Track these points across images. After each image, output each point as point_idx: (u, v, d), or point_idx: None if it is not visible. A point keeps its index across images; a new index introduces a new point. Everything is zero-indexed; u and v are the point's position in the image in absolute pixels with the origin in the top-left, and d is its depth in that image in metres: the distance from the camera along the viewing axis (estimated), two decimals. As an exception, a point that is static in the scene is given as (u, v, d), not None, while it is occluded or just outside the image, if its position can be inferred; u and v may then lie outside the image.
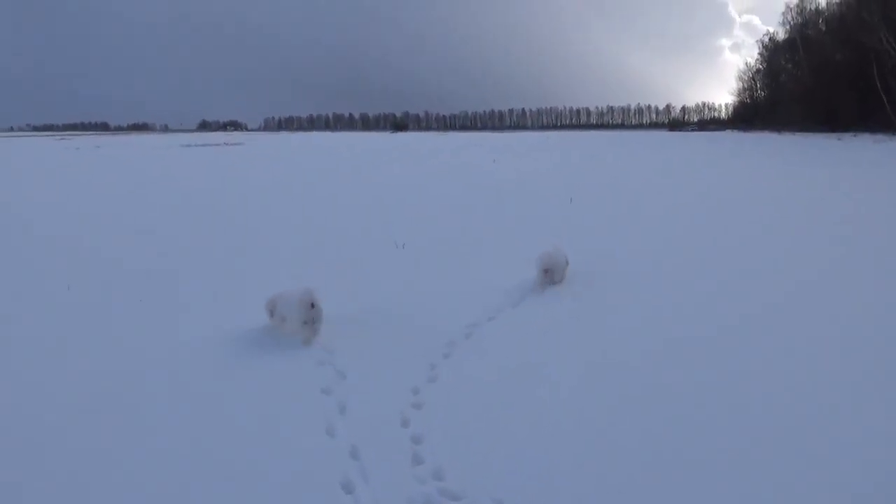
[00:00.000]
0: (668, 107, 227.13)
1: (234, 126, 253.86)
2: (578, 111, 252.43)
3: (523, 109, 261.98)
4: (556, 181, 19.02)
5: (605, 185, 17.89)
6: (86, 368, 4.83)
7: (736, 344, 5.18)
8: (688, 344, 5.18)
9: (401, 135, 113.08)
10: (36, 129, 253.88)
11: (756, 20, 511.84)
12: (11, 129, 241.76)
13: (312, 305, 5.28)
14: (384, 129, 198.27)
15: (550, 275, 7.02)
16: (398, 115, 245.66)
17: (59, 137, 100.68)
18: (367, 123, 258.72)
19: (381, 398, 4.25)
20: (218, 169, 27.27)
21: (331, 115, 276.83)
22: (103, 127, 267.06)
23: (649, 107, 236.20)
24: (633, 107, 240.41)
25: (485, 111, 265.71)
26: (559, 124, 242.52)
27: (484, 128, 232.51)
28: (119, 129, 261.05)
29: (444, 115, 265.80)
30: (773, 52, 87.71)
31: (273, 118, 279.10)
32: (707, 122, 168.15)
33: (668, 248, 9.02)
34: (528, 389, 4.37)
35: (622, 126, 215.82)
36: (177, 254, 9.03)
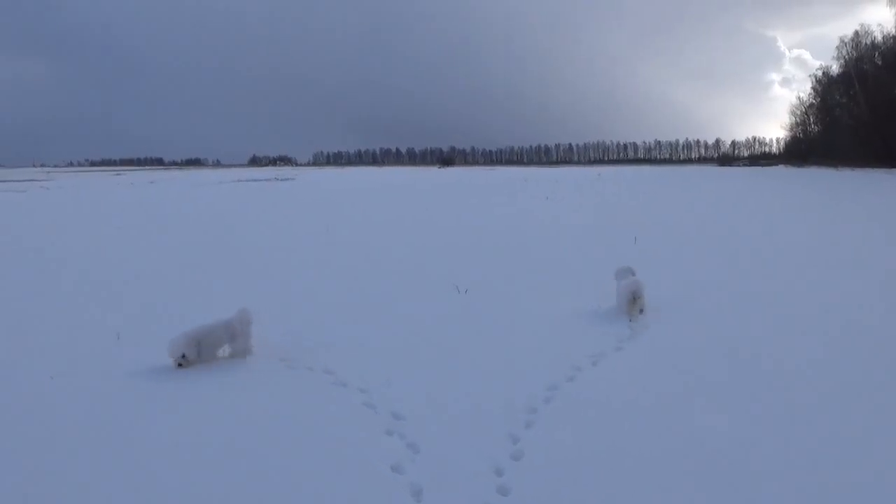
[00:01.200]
0: (717, 141, 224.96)
1: (284, 161, 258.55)
2: (626, 146, 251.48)
3: (570, 144, 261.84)
4: (616, 218, 18.45)
5: (667, 222, 17.25)
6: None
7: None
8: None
9: (448, 170, 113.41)
10: (94, 164, 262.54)
11: (806, 54, 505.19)
12: (71, 165, 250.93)
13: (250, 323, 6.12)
14: (431, 163, 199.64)
15: (639, 302, 7.30)
16: (445, 150, 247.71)
17: (115, 173, 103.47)
18: (415, 158, 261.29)
19: (460, 480, 3.77)
20: (270, 205, 27.36)
21: (378, 151, 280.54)
22: (158, 162, 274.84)
23: (698, 141, 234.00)
24: (681, 141, 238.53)
25: (531, 146, 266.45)
26: (605, 159, 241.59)
27: (530, 162, 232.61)
28: (173, 164, 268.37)
29: (490, 150, 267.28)
30: (826, 86, 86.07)
31: (322, 153, 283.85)
32: (758, 156, 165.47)
33: (743, 284, 8.40)
34: (626, 469, 3.87)
35: (670, 161, 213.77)
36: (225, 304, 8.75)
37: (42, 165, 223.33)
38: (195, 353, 5.83)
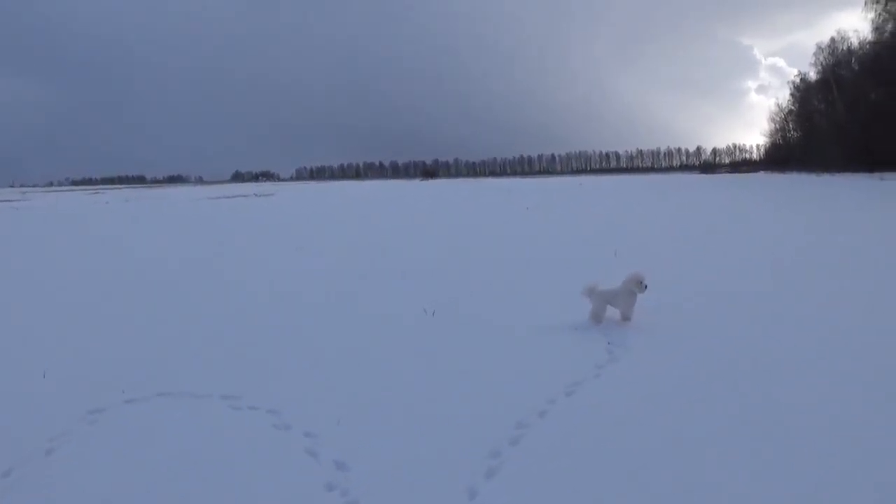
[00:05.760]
0: (698, 149, 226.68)
1: (267, 176, 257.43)
2: (608, 155, 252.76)
3: (552, 154, 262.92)
4: (596, 231, 17.98)
5: (648, 234, 16.80)
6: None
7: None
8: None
9: (431, 182, 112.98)
10: (75, 183, 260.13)
11: (781, 62, 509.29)
12: (51, 184, 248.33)
13: None
14: (414, 176, 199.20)
15: (642, 289, 7.22)
16: (427, 162, 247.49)
17: (93, 192, 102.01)
18: (397, 171, 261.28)
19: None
20: (242, 224, 26.70)
21: (361, 164, 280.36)
22: (140, 180, 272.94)
23: (679, 149, 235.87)
24: (662, 150, 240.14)
25: (514, 157, 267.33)
26: (588, 168, 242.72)
27: (513, 173, 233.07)
28: (156, 181, 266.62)
29: (473, 162, 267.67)
30: (805, 92, 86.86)
31: (305, 168, 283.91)
32: (739, 163, 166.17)
33: (733, 299, 7.91)
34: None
35: (652, 169, 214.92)
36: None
37: (21, 185, 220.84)
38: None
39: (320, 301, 9.29)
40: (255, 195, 62.23)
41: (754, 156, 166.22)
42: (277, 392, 5.48)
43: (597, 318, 7.43)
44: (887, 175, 50.57)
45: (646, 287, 7.22)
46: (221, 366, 6.29)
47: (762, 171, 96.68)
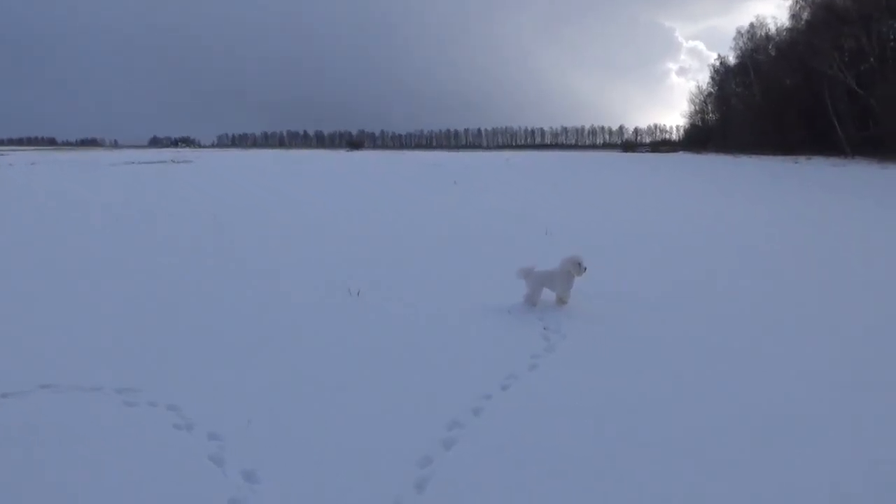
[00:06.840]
0: (620, 128, 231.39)
1: (186, 142, 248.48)
2: (533, 131, 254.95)
3: (479, 129, 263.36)
4: (529, 209, 17.69)
5: (581, 212, 16.64)
6: None
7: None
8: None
9: (357, 153, 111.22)
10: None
11: (701, 45, 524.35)
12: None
13: None
14: (339, 146, 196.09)
15: (581, 271, 6.87)
16: (354, 133, 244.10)
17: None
18: (323, 141, 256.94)
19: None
20: (150, 193, 25.31)
21: (285, 133, 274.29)
22: (50, 142, 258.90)
23: (602, 128, 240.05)
24: (586, 128, 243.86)
25: (440, 130, 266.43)
26: (514, 144, 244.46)
27: (439, 147, 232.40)
28: (67, 144, 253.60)
29: (399, 134, 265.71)
30: (724, 75, 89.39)
31: (227, 135, 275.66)
32: (659, 143, 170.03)
33: (670, 280, 7.70)
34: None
35: (576, 146, 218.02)
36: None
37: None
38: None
39: (233, 282, 8.61)
40: (173, 161, 59.46)
41: (674, 136, 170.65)
42: (180, 386, 4.88)
43: (532, 300, 7.09)
44: (799, 159, 52.45)
45: (585, 269, 6.90)
46: (116, 354, 5.61)
47: (682, 152, 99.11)
